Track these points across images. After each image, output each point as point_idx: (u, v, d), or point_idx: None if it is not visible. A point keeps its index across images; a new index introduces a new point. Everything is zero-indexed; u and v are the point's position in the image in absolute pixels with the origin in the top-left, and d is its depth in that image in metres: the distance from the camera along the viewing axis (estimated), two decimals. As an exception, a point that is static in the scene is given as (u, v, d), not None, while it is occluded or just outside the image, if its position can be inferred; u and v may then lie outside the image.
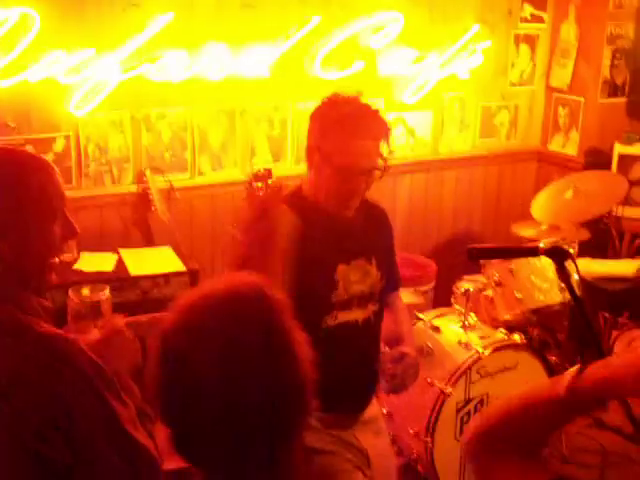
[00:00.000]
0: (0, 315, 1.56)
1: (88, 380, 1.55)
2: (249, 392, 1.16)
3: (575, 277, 3.53)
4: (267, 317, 1.21)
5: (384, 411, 3.56)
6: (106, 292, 2.29)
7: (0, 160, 1.66)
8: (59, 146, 3.75)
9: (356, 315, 2.48)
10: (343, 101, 2.38)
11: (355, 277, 2.48)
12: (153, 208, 3.81)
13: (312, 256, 2.28)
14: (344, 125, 2.30)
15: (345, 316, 2.46)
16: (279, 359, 1.19)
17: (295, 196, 2.44)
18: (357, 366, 2.52)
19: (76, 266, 3.52)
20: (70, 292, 2.46)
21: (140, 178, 3.96)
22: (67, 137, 3.78)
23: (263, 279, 1.27)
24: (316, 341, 2.47)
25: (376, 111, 2.39)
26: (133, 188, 3.97)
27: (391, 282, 2.68)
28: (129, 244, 3.84)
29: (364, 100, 2.40)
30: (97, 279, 3.31)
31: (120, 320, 1.85)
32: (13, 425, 1.49)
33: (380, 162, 2.40)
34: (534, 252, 1.98)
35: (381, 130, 2.37)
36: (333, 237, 2.43)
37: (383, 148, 2.39)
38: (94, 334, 1.84)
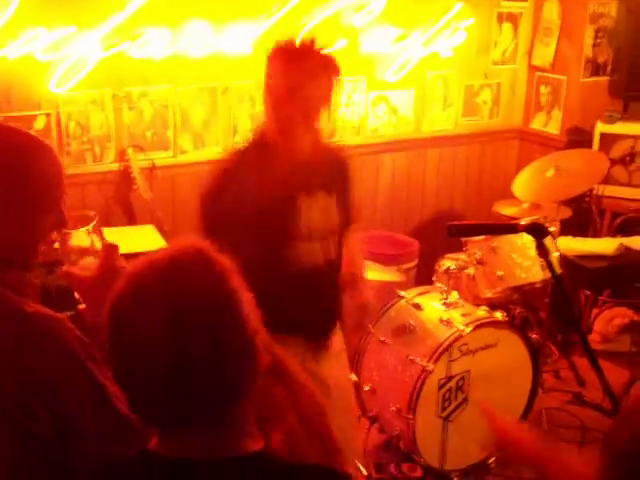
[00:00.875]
0: None
1: (76, 358, 1.55)
2: (194, 354, 1.20)
3: (555, 254, 3.58)
4: (210, 279, 1.25)
5: (366, 388, 3.60)
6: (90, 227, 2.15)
7: (7, 142, 1.65)
8: (40, 124, 3.73)
9: (316, 247, 2.61)
10: (290, 40, 2.54)
11: (316, 209, 2.60)
12: (135, 187, 3.79)
13: (273, 189, 2.48)
14: (281, 56, 2.50)
15: (306, 247, 2.59)
16: (223, 320, 1.23)
17: (255, 136, 2.65)
18: (318, 295, 2.66)
19: (57, 245, 3.50)
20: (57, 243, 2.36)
21: (122, 156, 3.94)
22: (48, 115, 3.75)
23: (207, 243, 1.31)
24: (280, 269, 2.50)
25: (315, 48, 2.52)
26: (115, 167, 3.95)
27: (349, 217, 2.81)
28: (111, 223, 3.83)
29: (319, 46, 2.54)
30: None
31: (114, 252, 1.79)
32: (5, 405, 1.49)
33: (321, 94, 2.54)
34: (513, 229, 2.00)
35: (315, 61, 2.50)
36: (293, 170, 2.55)
37: (325, 82, 2.53)
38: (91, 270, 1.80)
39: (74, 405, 1.54)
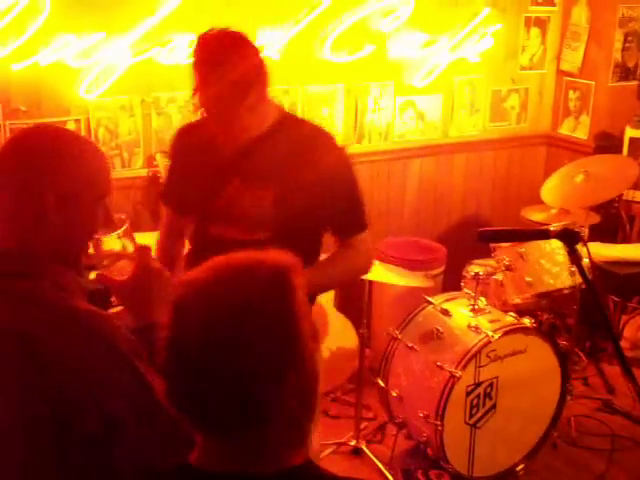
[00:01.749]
0: (37, 291, 1.58)
1: (124, 357, 1.57)
2: (236, 368, 1.20)
3: (586, 261, 3.56)
4: (281, 305, 1.23)
5: (394, 394, 3.59)
6: (121, 231, 2.12)
7: (68, 135, 1.72)
8: (69, 130, 3.75)
9: (243, 236, 2.45)
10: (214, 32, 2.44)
11: (246, 198, 2.46)
12: (163, 192, 3.81)
13: (212, 165, 2.48)
14: (200, 41, 2.41)
15: (227, 231, 2.48)
16: (285, 352, 1.22)
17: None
18: None
19: (91, 250, 3.52)
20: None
21: (150, 162, 3.96)
22: (77, 121, 3.78)
23: (291, 259, 1.28)
24: (203, 243, 2.53)
25: (215, 35, 2.42)
26: (143, 172, 3.98)
27: (343, 225, 2.58)
28: (139, 228, 3.86)
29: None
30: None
31: (147, 254, 1.80)
32: (49, 397, 1.51)
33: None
34: (545, 235, 1.98)
35: (215, 51, 2.38)
36: (233, 154, 2.46)
37: (233, 67, 2.36)
38: (126, 273, 1.81)
39: (121, 403, 1.55)
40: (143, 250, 1.78)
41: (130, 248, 1.82)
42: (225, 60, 2.34)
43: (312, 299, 2.63)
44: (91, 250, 1.75)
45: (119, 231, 1.83)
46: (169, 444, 1.60)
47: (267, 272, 1.25)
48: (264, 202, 2.45)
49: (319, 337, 1.33)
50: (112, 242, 1.83)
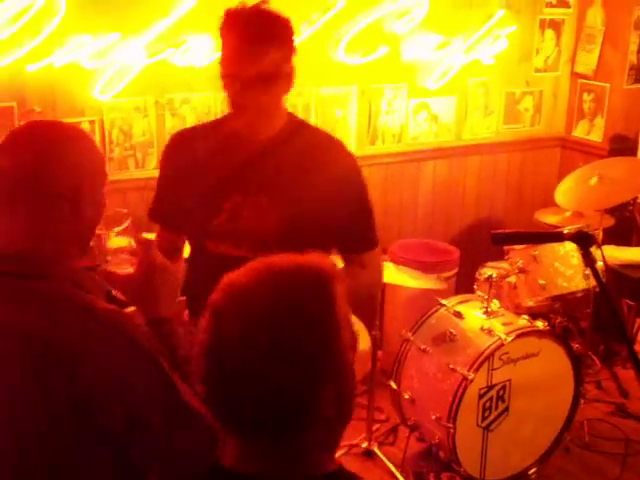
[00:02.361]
0: (56, 291, 1.58)
1: (146, 352, 1.58)
2: (289, 382, 1.19)
3: (600, 264, 3.54)
4: (324, 313, 1.21)
5: (406, 396, 3.58)
6: (123, 227, 2.10)
7: (69, 131, 1.71)
8: (84, 131, 3.77)
9: (245, 253, 2.17)
10: (240, 8, 2.24)
11: (248, 213, 2.29)
12: (177, 193, 3.82)
13: (210, 178, 2.30)
14: (231, 28, 2.19)
15: (227, 249, 2.29)
16: (326, 360, 1.21)
17: (213, 122, 2.51)
18: None
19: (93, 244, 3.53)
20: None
21: (164, 163, 3.97)
22: (92, 122, 3.80)
23: (330, 264, 1.27)
24: (203, 261, 2.34)
25: (258, 12, 2.22)
26: (157, 173, 3.97)
27: (352, 241, 2.43)
28: (153, 229, 3.85)
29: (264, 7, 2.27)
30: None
31: (150, 247, 1.76)
32: (78, 400, 1.52)
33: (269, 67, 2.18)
34: (559, 237, 1.97)
35: (258, 31, 2.16)
36: (237, 163, 2.29)
37: (274, 52, 2.17)
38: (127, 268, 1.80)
39: (145, 399, 1.56)
40: (145, 244, 1.76)
41: (132, 243, 1.83)
42: (272, 38, 2.17)
43: None
44: (93, 245, 1.76)
45: (122, 226, 1.84)
46: (194, 441, 1.61)
47: (310, 278, 1.23)
48: (268, 216, 2.29)
49: (357, 346, 1.32)
50: (115, 238, 1.84)
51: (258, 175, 2.30)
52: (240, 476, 1.25)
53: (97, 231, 1.77)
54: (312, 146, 2.36)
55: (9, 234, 1.63)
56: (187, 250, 2.59)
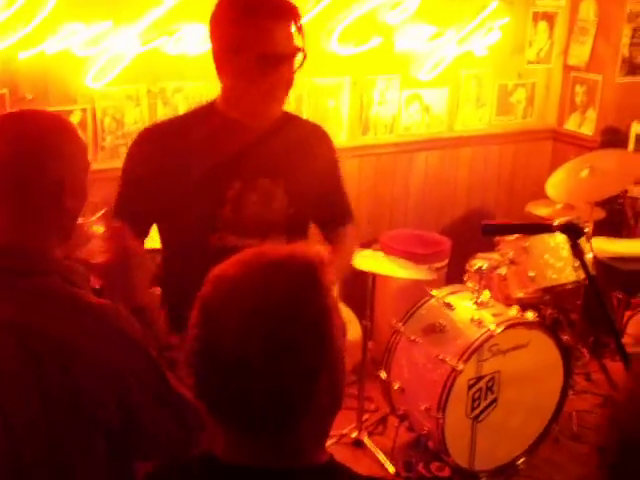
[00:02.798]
0: (50, 287, 1.59)
1: (139, 347, 1.59)
2: (285, 373, 1.18)
3: (589, 256, 3.56)
4: (316, 302, 1.21)
5: (395, 386, 3.59)
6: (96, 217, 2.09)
7: (50, 121, 1.68)
8: (76, 119, 3.75)
9: (253, 242, 2.21)
10: None
11: (254, 198, 2.29)
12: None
13: (204, 169, 2.23)
14: (254, 11, 2.15)
15: (236, 241, 2.27)
16: (320, 349, 1.21)
17: (203, 107, 2.36)
18: None
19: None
20: None
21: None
22: (84, 110, 3.79)
23: (320, 252, 1.26)
24: (203, 260, 2.33)
25: None
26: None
27: (335, 216, 2.57)
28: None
29: None
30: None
31: (121, 233, 1.79)
32: (71, 392, 1.53)
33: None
34: (548, 228, 1.98)
35: (290, 10, 2.20)
36: (234, 151, 2.27)
37: (295, 32, 2.22)
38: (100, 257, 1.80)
39: (137, 389, 1.57)
40: (117, 230, 1.76)
41: (103, 231, 1.83)
42: (291, 16, 2.19)
43: None
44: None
45: (97, 215, 1.83)
46: (182, 428, 1.62)
47: (299, 268, 1.22)
48: (275, 197, 2.32)
49: (347, 333, 1.32)
50: (93, 226, 1.84)
51: (255, 159, 2.30)
52: (233, 467, 1.24)
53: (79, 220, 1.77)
54: (304, 131, 2.45)
55: None
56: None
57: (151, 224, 2.41)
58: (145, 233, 2.41)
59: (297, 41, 2.23)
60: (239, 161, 2.29)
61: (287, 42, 2.19)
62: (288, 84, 2.24)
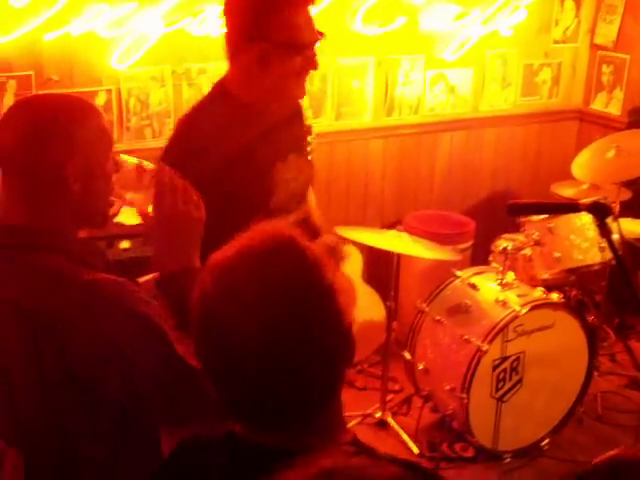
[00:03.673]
0: (48, 264, 1.60)
1: (142, 317, 1.59)
2: (289, 355, 1.17)
3: (616, 236, 3.53)
4: (305, 273, 1.20)
5: (420, 367, 3.60)
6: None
7: (60, 105, 1.69)
8: (101, 100, 3.78)
9: (294, 217, 2.37)
10: None
11: (291, 175, 2.37)
12: (193, 162, 3.83)
13: (247, 160, 2.24)
14: (281, 1, 2.16)
15: (282, 215, 2.32)
16: (319, 315, 1.19)
17: (221, 98, 2.33)
18: None
19: (117, 219, 3.55)
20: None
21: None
22: (109, 91, 3.80)
23: (293, 229, 1.26)
24: None
25: None
26: (173, 143, 3.99)
27: None
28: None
29: None
30: (138, 232, 3.37)
31: (165, 173, 1.76)
32: (70, 371, 1.54)
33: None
34: (575, 208, 1.97)
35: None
36: (267, 135, 2.30)
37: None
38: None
39: (145, 364, 1.57)
40: (161, 169, 1.75)
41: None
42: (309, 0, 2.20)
43: None
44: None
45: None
46: (196, 406, 1.62)
47: (296, 251, 1.22)
48: (302, 170, 2.42)
49: (354, 302, 1.32)
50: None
51: (283, 137, 2.37)
52: (260, 446, 1.23)
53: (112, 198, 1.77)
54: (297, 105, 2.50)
55: (6, 209, 1.65)
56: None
57: None
58: None
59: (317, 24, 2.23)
60: (273, 143, 2.33)
61: (308, 29, 2.19)
62: (309, 69, 2.25)
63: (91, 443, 1.62)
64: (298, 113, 2.50)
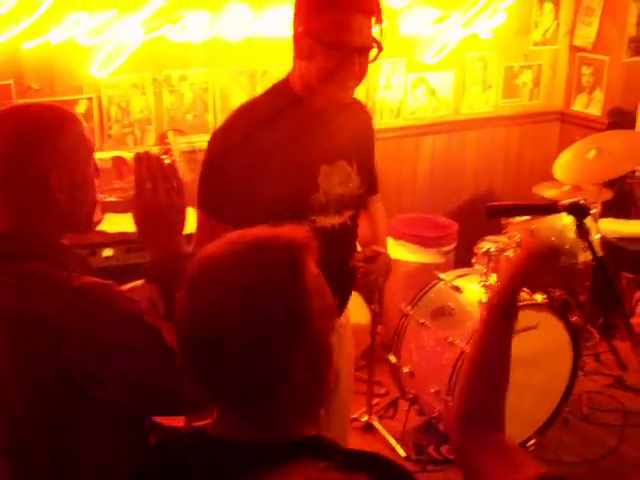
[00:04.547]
0: (37, 271, 1.60)
1: (132, 317, 1.59)
2: (270, 345, 1.22)
3: (597, 236, 3.55)
4: (290, 281, 1.24)
5: (405, 370, 3.60)
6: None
7: (41, 115, 1.69)
8: (82, 108, 3.77)
9: (333, 220, 2.42)
10: None
11: (337, 180, 2.42)
12: (175, 169, 3.82)
13: (293, 155, 2.29)
14: (337, 1, 2.20)
15: (322, 221, 2.40)
16: (298, 312, 1.24)
17: (280, 89, 2.39)
18: (332, 271, 2.49)
19: (100, 227, 3.55)
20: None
21: (162, 140, 3.97)
22: (90, 99, 3.80)
23: (306, 235, 1.29)
24: None
25: None
26: (155, 149, 3.98)
27: (372, 185, 2.68)
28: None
29: None
30: (121, 240, 3.36)
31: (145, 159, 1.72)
32: (65, 376, 1.54)
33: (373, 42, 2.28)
34: (553, 209, 1.98)
35: (370, 3, 2.24)
36: (317, 135, 2.35)
37: (374, 26, 2.27)
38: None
39: (141, 366, 1.58)
40: (139, 159, 1.72)
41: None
42: (372, 10, 2.24)
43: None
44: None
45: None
46: (179, 403, 1.63)
47: (279, 248, 1.25)
48: (350, 178, 2.46)
49: (334, 313, 1.34)
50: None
51: (335, 143, 2.41)
52: (217, 441, 1.29)
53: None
54: (360, 110, 2.58)
55: None
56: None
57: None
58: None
59: (376, 34, 2.27)
60: (322, 146, 2.37)
61: (364, 35, 2.23)
62: (361, 75, 2.29)
63: (86, 446, 1.62)
64: (365, 124, 2.58)
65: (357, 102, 2.57)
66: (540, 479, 1.29)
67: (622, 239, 4.31)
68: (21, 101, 3.56)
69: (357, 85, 2.33)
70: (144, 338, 1.59)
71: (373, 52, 2.28)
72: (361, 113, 2.59)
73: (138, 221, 1.72)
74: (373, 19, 2.24)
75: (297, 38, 2.27)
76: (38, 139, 1.61)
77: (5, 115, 1.72)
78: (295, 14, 2.28)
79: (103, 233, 3.52)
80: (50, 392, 1.56)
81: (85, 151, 1.69)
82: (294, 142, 2.31)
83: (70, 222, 1.70)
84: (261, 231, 1.29)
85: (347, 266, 2.51)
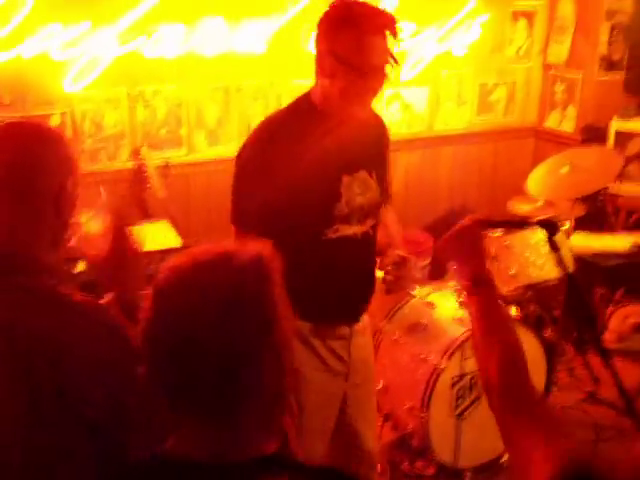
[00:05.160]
0: (37, 287, 1.61)
1: (126, 343, 1.60)
2: (243, 347, 1.23)
3: (569, 252, 3.57)
4: (261, 289, 1.25)
5: (379, 386, 3.59)
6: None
7: (37, 133, 1.71)
8: (55, 123, 3.75)
9: (355, 229, 2.52)
10: (351, 2, 2.38)
11: (358, 190, 2.52)
12: (149, 185, 3.80)
13: (316, 167, 2.36)
14: (356, 23, 2.29)
15: (345, 230, 2.49)
16: (261, 330, 1.24)
17: (302, 104, 2.49)
18: (354, 278, 2.59)
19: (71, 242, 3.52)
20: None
21: (136, 155, 3.95)
22: (63, 114, 3.78)
23: (264, 246, 1.30)
24: (316, 252, 2.42)
25: (382, 9, 2.38)
26: (129, 165, 3.96)
27: (386, 195, 2.74)
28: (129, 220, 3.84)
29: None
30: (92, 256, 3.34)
31: (123, 235, 1.84)
32: (61, 393, 1.54)
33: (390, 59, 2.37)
34: (524, 224, 1.99)
35: (388, 23, 2.33)
36: (338, 147, 2.42)
37: (391, 45, 2.36)
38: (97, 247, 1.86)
39: (125, 383, 1.58)
40: (119, 231, 1.81)
41: (104, 224, 1.88)
42: (389, 29, 2.32)
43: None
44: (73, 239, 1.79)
45: (94, 211, 1.88)
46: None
47: (248, 256, 1.27)
48: (370, 188, 2.55)
49: (294, 324, 1.35)
50: (90, 222, 1.88)
51: (355, 154, 2.50)
52: (178, 462, 1.27)
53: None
54: (377, 123, 2.69)
55: None
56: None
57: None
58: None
59: (391, 48, 2.35)
60: (343, 157, 2.46)
61: (382, 54, 2.33)
62: (377, 90, 2.39)
63: (69, 470, 1.60)
64: (381, 134, 2.70)
65: (373, 113, 2.64)
66: (570, 459, 1.28)
67: (595, 255, 4.33)
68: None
69: (374, 98, 2.43)
70: (132, 362, 1.59)
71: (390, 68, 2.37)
72: (377, 124, 2.69)
73: (114, 265, 1.80)
74: (390, 36, 2.33)
75: (319, 57, 2.38)
76: (40, 156, 1.64)
77: (15, 128, 1.76)
78: (317, 34, 2.40)
79: (75, 248, 3.48)
80: (42, 410, 1.55)
81: (74, 168, 1.73)
82: (317, 154, 2.39)
83: (61, 237, 1.72)
84: (228, 244, 1.31)
85: (368, 273, 2.65)
